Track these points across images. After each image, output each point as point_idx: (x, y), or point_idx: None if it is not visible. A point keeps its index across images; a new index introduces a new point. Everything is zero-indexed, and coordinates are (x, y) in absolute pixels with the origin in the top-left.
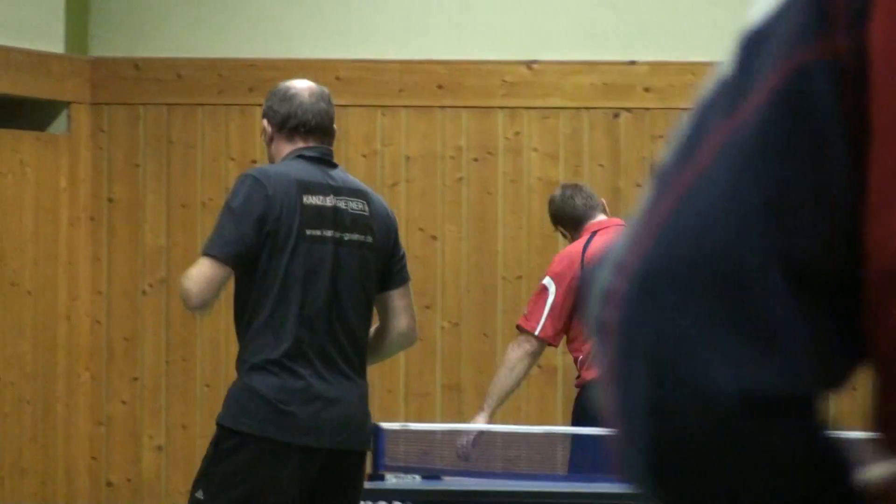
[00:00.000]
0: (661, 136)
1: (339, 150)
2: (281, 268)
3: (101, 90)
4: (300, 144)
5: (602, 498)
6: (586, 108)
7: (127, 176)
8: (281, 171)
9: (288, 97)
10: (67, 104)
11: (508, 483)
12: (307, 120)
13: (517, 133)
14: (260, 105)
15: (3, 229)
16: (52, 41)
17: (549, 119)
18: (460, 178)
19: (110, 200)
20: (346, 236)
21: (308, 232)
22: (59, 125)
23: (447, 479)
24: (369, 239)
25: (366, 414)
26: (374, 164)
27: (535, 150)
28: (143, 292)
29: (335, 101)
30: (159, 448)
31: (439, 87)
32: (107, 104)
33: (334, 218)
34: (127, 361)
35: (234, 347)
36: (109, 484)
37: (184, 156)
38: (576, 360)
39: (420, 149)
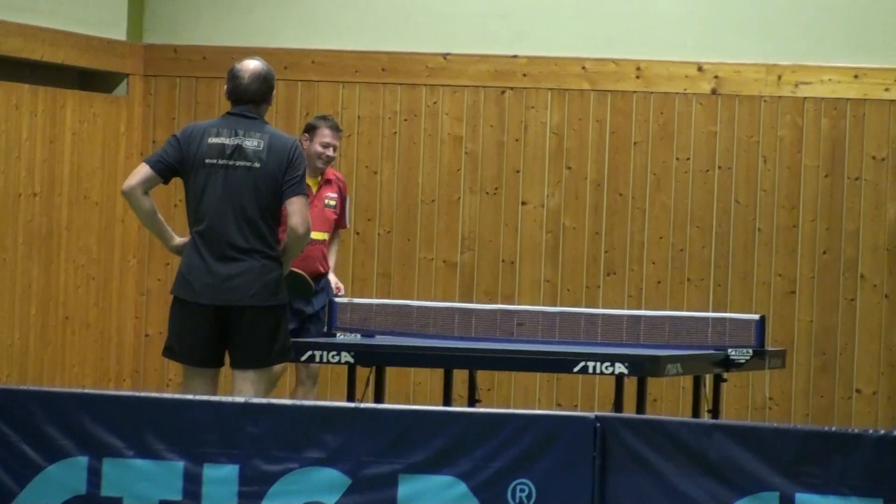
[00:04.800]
0: (532, 108)
1: (312, 112)
2: (193, 184)
3: (151, 66)
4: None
5: None
6: (483, 86)
7: (166, 125)
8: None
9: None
10: (127, 76)
11: (432, 342)
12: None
13: (434, 103)
14: None
15: (82, 160)
16: (118, 31)
17: (457, 93)
18: (395, 132)
19: (154, 142)
20: (238, 163)
21: (207, 161)
22: (120, 90)
23: (379, 337)
24: (257, 165)
25: (241, 280)
26: (337, 121)
27: (447, 114)
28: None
29: (311, 78)
30: None
31: (383, 69)
32: (154, 76)
33: (231, 151)
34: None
35: None
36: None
37: (206, 113)
38: None
39: (368, 112)
